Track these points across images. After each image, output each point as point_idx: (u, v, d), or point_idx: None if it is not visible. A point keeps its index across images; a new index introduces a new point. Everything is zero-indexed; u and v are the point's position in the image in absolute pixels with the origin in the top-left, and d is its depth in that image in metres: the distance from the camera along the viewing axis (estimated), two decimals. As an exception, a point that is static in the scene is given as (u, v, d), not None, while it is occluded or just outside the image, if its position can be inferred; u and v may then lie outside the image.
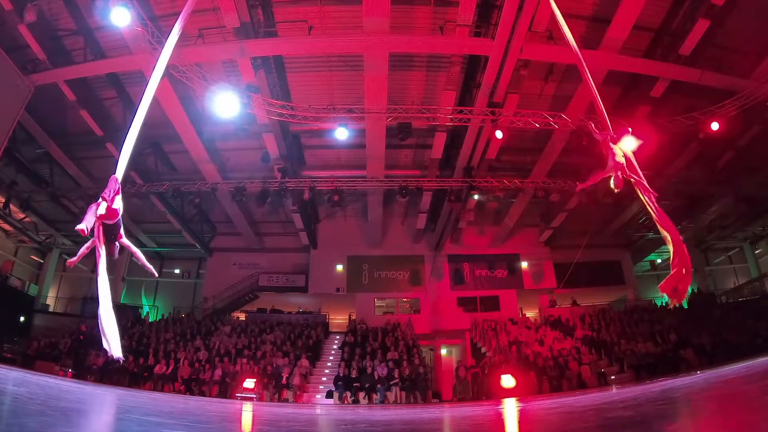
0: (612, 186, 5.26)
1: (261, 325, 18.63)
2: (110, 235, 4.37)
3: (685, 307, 16.06)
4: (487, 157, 15.72)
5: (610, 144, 5.31)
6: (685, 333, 14.32)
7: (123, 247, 4.57)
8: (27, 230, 20.37)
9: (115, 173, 4.53)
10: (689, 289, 5.29)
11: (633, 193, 5.53)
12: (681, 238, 5.01)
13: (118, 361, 4.78)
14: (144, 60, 11.88)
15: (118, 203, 4.33)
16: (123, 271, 21.16)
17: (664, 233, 5.15)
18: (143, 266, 4.74)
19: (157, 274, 4.85)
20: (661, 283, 5.01)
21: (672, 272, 5.03)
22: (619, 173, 5.15)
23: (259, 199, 16.65)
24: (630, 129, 5.50)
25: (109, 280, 4.34)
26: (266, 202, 16.96)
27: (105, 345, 4.10)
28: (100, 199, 4.29)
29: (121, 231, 4.46)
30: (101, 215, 4.24)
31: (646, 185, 5.20)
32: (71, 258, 4.40)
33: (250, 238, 21.58)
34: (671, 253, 5.19)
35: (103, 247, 4.31)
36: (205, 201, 18.46)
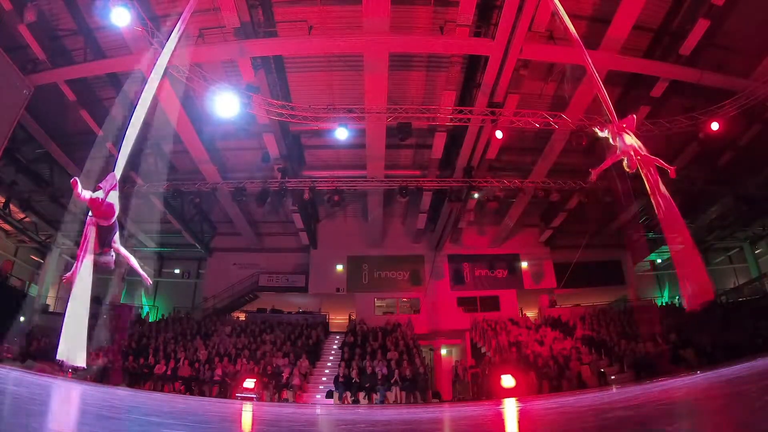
0: (625, 167, 5.33)
1: (261, 325, 18.63)
2: (104, 239, 4.32)
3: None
4: (487, 157, 15.73)
5: (618, 132, 5.40)
6: (685, 333, 14.31)
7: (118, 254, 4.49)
8: (27, 230, 20.37)
9: (113, 170, 4.52)
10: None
11: (633, 192, 5.56)
12: (689, 234, 5.04)
13: (79, 369, 4.70)
14: (144, 60, 11.88)
15: (114, 198, 4.31)
16: (123, 271, 21.16)
17: (669, 228, 5.15)
18: (138, 274, 4.67)
19: (150, 281, 4.81)
20: (686, 304, 5.01)
21: (686, 280, 5.02)
22: (632, 152, 5.23)
23: (259, 199, 16.65)
24: (635, 116, 5.59)
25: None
26: (266, 202, 16.97)
27: (63, 350, 4.00)
28: (97, 188, 4.27)
29: (116, 237, 4.39)
30: (96, 214, 4.21)
31: (663, 162, 5.27)
32: (67, 273, 4.35)
33: (250, 238, 21.58)
34: (678, 253, 5.16)
35: (91, 250, 4.24)
36: (205, 201, 18.45)
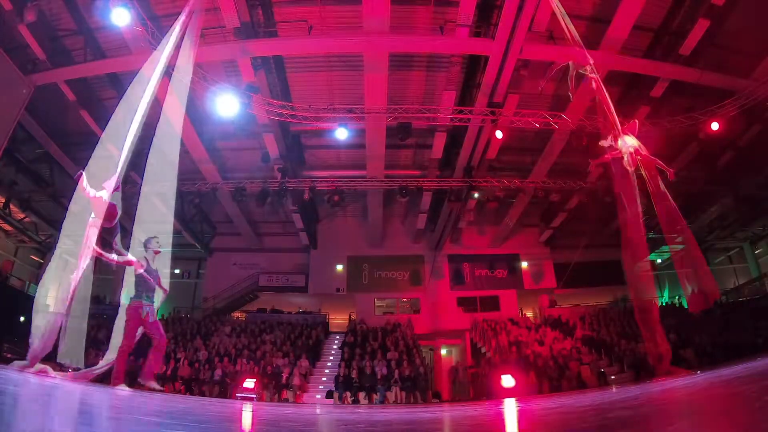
0: (626, 164, 5.42)
1: (261, 325, 18.63)
2: (106, 240, 4.35)
3: (685, 307, 16.05)
4: (487, 157, 15.73)
5: (621, 135, 5.51)
6: (685, 333, 14.32)
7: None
8: (27, 230, 20.37)
9: (115, 172, 4.54)
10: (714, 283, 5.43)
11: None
12: (691, 233, 5.13)
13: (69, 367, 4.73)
14: (144, 60, 11.87)
15: (116, 200, 4.34)
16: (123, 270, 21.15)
17: (669, 228, 5.22)
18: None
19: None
20: (689, 305, 5.10)
21: (691, 282, 5.09)
22: (631, 149, 5.34)
23: (259, 199, 16.66)
24: (637, 121, 5.70)
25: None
26: (266, 202, 16.97)
27: (64, 351, 4.05)
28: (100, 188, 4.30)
29: (117, 238, 4.43)
30: (98, 215, 4.24)
31: (662, 163, 5.37)
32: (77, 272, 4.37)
33: (250, 238, 21.58)
34: (681, 254, 5.23)
35: (92, 251, 4.27)
36: (205, 201, 18.46)
